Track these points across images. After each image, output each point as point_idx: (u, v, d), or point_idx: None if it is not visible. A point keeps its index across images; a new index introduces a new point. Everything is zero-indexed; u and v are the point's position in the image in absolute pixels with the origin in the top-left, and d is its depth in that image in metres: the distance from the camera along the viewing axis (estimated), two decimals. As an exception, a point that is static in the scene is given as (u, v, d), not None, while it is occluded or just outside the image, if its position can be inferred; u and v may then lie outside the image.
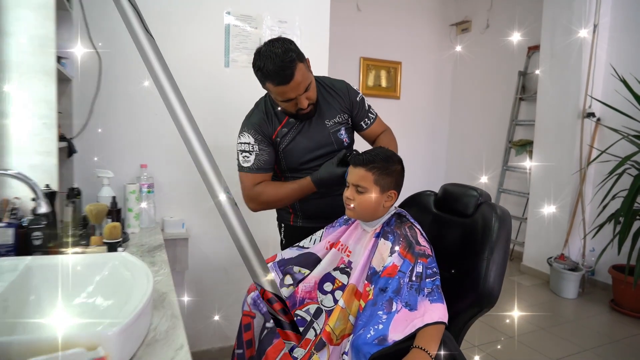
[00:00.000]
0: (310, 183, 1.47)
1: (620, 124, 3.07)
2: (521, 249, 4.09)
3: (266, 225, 2.43)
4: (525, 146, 4.14)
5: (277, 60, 1.33)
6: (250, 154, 1.54)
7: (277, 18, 2.41)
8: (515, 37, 4.36)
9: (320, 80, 1.62)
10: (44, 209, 1.12)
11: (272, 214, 2.47)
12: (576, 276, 3.33)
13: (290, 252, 1.46)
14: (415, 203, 1.58)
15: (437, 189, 1.57)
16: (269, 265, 1.43)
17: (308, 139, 1.56)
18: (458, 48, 5.08)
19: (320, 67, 2.53)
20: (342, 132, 1.62)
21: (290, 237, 1.68)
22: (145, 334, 0.95)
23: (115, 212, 1.79)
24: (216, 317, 2.39)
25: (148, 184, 2.09)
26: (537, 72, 3.85)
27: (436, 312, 1.05)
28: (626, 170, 2.95)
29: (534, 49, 4.15)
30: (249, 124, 1.56)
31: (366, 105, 1.67)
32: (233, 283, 2.39)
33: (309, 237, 1.49)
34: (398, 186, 1.29)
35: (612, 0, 3.40)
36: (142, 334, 0.93)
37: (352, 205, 1.27)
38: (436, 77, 5.10)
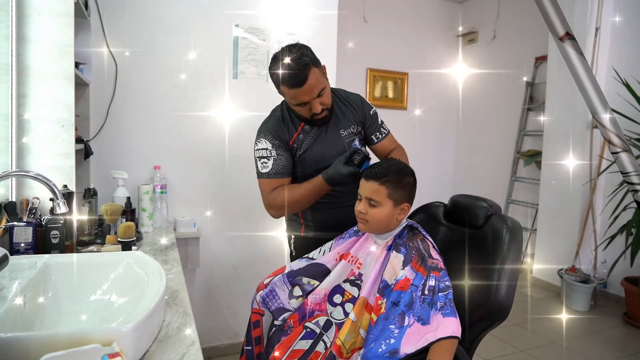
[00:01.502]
0: (323, 181, 1.46)
1: (624, 127, 3.05)
2: (531, 260, 4.06)
3: (273, 239, 2.47)
4: (533, 157, 4.13)
5: (291, 64, 1.38)
6: (269, 160, 1.55)
7: (285, 31, 2.44)
8: (522, 48, 4.38)
9: (335, 92, 1.66)
10: (62, 209, 1.15)
11: (280, 226, 2.50)
12: (587, 288, 3.29)
13: (299, 263, 1.46)
14: (424, 214, 1.58)
15: (445, 200, 1.57)
16: (276, 277, 1.43)
17: (324, 147, 1.58)
18: (465, 59, 5.11)
19: (328, 78, 2.56)
20: (357, 142, 1.65)
21: (300, 249, 1.68)
22: (158, 330, 0.98)
23: (129, 212, 1.87)
24: (226, 314, 2.46)
25: (161, 184, 2.17)
26: (545, 82, 3.85)
27: (449, 326, 1.05)
28: (637, 181, 2.93)
29: (541, 59, 4.16)
30: (265, 130, 1.58)
31: (379, 120, 1.69)
32: (242, 281, 2.46)
33: (318, 249, 1.50)
34: (411, 198, 1.29)
35: (613, 2, 3.41)
36: (155, 330, 0.96)
37: (365, 219, 1.27)
38: (443, 87, 5.11)
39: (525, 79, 4.34)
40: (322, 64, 1.48)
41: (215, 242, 2.43)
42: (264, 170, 1.55)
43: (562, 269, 3.49)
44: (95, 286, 1.14)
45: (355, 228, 1.42)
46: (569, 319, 3.18)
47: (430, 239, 1.27)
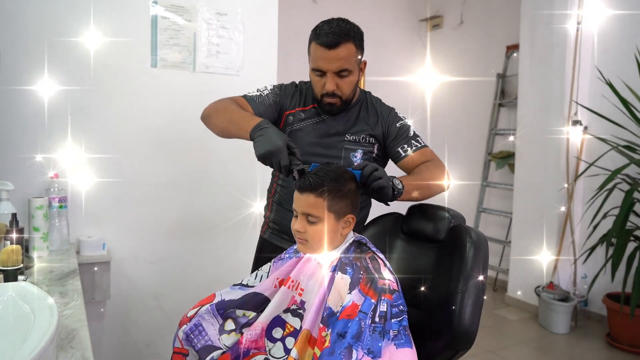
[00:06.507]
0: (250, 127, 1.40)
1: (610, 132, 3.24)
2: (506, 277, 4.22)
3: (205, 261, 2.43)
4: (506, 159, 4.30)
5: (336, 27, 1.52)
6: (257, 92, 1.70)
7: (215, 9, 2.42)
8: (492, 35, 4.57)
9: (369, 95, 1.77)
10: None
11: (214, 245, 2.47)
12: (567, 307, 3.46)
13: (232, 293, 1.43)
14: (378, 227, 1.60)
15: (405, 211, 1.60)
16: (204, 308, 1.40)
17: (318, 138, 1.67)
18: (429, 47, 5.27)
19: (268, 64, 2.59)
20: (358, 155, 1.67)
21: (260, 250, 1.84)
22: None
23: (15, 232, 1.74)
24: (145, 355, 2.39)
25: (60, 197, 2.08)
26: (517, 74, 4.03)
27: (403, 358, 1.06)
28: (617, 185, 3.11)
29: (513, 48, 4.35)
30: (278, 84, 1.76)
31: (411, 133, 1.68)
32: (166, 314, 2.41)
33: (254, 273, 1.48)
34: (355, 208, 1.30)
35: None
36: None
37: (304, 239, 1.27)
38: (404, 79, 5.23)
39: (496, 70, 4.52)
40: (362, 57, 1.62)
41: (132, 267, 2.35)
42: (245, 93, 1.70)
43: (539, 287, 3.65)
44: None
45: (295, 247, 1.42)
46: (547, 343, 3.32)
47: (382, 256, 1.28)
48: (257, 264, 1.75)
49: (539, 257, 3.80)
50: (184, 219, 2.45)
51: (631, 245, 3.04)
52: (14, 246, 1.53)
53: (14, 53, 2.05)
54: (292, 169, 1.31)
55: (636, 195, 3.02)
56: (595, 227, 3.19)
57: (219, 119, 1.60)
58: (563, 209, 3.70)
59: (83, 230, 2.23)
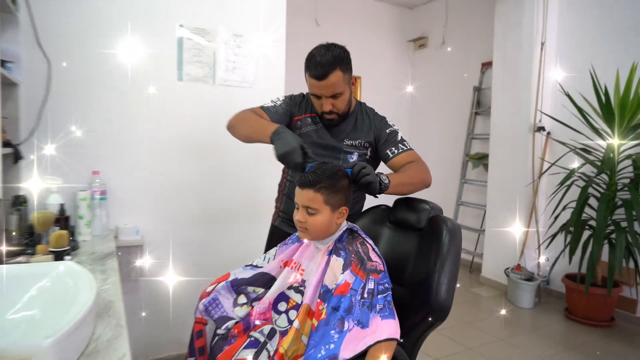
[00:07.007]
0: (270, 132, 1.43)
1: (569, 137, 3.23)
2: (480, 260, 4.21)
3: (224, 244, 2.44)
4: (481, 159, 4.29)
5: (322, 57, 1.50)
6: (274, 103, 1.72)
7: (232, 31, 2.41)
8: (469, 53, 4.55)
9: (364, 106, 1.76)
10: None
11: (231, 230, 2.47)
12: (532, 286, 3.45)
13: (245, 272, 1.45)
14: (370, 217, 1.60)
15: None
16: (220, 284, 1.40)
17: (320, 140, 1.67)
18: (416, 64, 5.24)
19: (277, 77, 2.58)
20: (354, 157, 1.67)
21: (271, 235, 1.83)
22: (86, 344, 0.94)
23: (63, 220, 1.78)
24: (174, 325, 2.39)
25: (100, 190, 2.09)
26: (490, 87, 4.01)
27: (387, 328, 1.06)
28: (575, 182, 3.10)
29: (487, 65, 4.33)
30: (287, 95, 1.78)
31: (398, 137, 1.67)
32: (191, 290, 2.38)
33: (263, 255, 1.49)
34: (348, 201, 1.30)
35: (557, 19, 3.61)
36: (82, 344, 0.92)
37: (304, 228, 1.27)
38: (395, 91, 5.23)
39: (473, 84, 4.51)
40: (351, 74, 1.60)
41: (161, 250, 2.36)
42: (262, 104, 1.72)
43: (508, 268, 3.64)
44: (19, 299, 1.07)
45: (297, 234, 1.42)
46: (514, 316, 3.31)
47: (371, 242, 1.29)
48: (269, 246, 1.75)
49: (508, 243, 3.79)
50: (205, 209, 2.45)
51: (586, 234, 3.03)
52: (62, 231, 1.55)
53: (63, 63, 2.08)
54: (305, 166, 1.33)
55: (590, 190, 3.02)
56: (556, 218, 3.18)
57: (242, 128, 1.61)
58: (529, 202, 3.69)
59: (120, 218, 2.24)
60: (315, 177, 1.23)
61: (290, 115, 1.72)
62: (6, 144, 1.75)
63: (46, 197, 1.88)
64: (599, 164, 3.03)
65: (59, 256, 1.48)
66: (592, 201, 3.04)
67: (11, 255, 1.53)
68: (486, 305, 3.57)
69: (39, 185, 1.97)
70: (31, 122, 2.03)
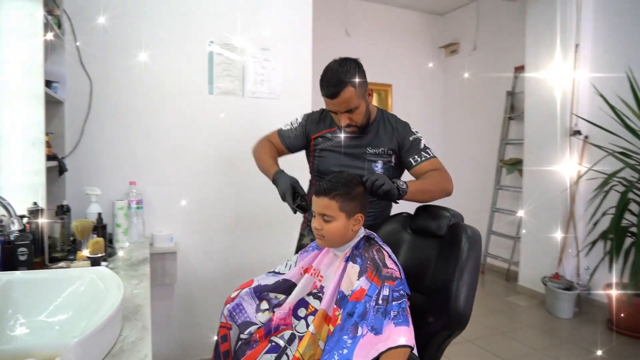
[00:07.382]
0: (271, 176, 1.63)
1: (608, 141, 3.10)
2: (517, 268, 4.08)
3: (252, 253, 2.49)
4: (515, 165, 4.17)
5: (331, 76, 1.54)
6: (290, 125, 1.82)
7: (260, 46, 2.48)
8: (501, 58, 4.45)
9: (385, 113, 1.76)
10: (16, 226, 1.21)
11: (258, 239, 2.52)
12: (571, 295, 3.31)
13: (267, 279, 1.48)
14: (392, 224, 1.60)
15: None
16: (244, 291, 1.44)
17: (343, 155, 1.70)
18: (447, 70, 5.18)
19: (304, 89, 2.62)
20: (379, 165, 1.68)
21: (299, 245, 1.88)
22: (112, 345, 0.99)
23: (100, 228, 1.86)
24: (205, 329, 2.43)
25: (137, 200, 2.18)
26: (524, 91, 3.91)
27: (400, 335, 1.06)
28: (613, 187, 2.97)
29: (520, 69, 4.22)
30: (306, 114, 1.85)
31: (422, 145, 1.67)
32: (221, 295, 2.43)
33: (285, 262, 1.52)
34: (363, 208, 1.31)
35: (592, 21, 3.48)
36: (108, 345, 0.97)
37: (321, 235, 1.29)
38: (427, 98, 5.18)
39: (506, 88, 4.40)
40: (366, 87, 1.61)
41: (194, 257, 2.44)
42: (281, 126, 1.84)
43: (545, 277, 3.51)
44: (53, 302, 1.15)
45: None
46: (553, 327, 3.19)
47: (387, 249, 1.29)
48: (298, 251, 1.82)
49: (545, 250, 3.66)
50: (233, 218, 2.52)
51: (627, 241, 2.89)
52: (98, 239, 1.64)
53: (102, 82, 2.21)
54: (294, 207, 1.48)
55: (631, 195, 2.87)
56: (595, 224, 3.04)
57: (257, 164, 1.77)
58: (566, 208, 3.55)
59: (155, 226, 2.33)
60: (330, 185, 1.26)
61: (306, 136, 1.78)
62: (52, 158, 1.87)
63: (87, 207, 1.99)
64: (639, 167, 2.89)
65: (95, 262, 1.55)
66: (633, 206, 2.90)
67: (54, 261, 1.64)
68: (522, 315, 3.45)
69: (80, 196, 2.08)
70: (75, 137, 2.17)
